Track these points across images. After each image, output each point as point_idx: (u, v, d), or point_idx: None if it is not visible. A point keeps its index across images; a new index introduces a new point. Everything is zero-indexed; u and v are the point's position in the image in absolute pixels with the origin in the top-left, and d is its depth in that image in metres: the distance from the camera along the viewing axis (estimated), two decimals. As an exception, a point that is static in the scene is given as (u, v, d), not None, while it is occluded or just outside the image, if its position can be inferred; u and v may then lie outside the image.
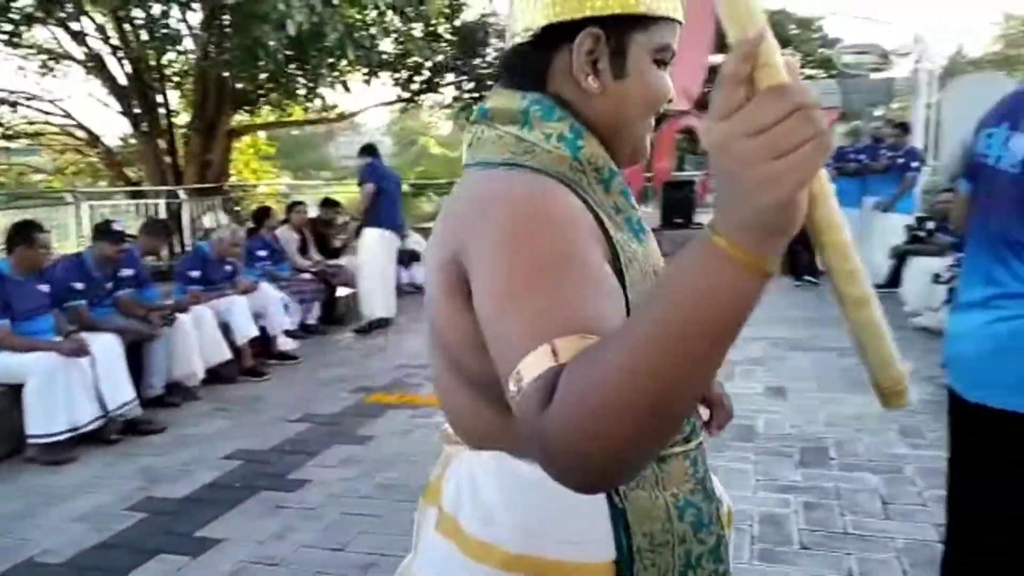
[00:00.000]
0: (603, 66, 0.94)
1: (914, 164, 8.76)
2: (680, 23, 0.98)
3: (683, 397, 0.63)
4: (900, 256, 7.86)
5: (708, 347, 0.61)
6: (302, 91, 12.54)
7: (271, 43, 9.23)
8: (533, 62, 0.97)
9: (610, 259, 0.86)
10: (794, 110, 0.54)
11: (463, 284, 0.85)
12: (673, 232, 10.08)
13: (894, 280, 7.92)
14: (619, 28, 0.93)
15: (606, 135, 0.97)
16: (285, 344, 6.64)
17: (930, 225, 7.82)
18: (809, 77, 33.38)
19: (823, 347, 6.18)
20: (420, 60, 13.80)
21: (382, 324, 7.63)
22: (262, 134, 17.94)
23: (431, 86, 14.96)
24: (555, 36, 0.95)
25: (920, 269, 7.06)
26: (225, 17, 10.18)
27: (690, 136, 13.34)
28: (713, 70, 9.83)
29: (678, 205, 10.41)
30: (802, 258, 9.19)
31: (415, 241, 9.53)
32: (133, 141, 13.19)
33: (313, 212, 8.94)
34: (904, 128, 9.41)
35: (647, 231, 0.99)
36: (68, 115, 12.95)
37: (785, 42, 36.83)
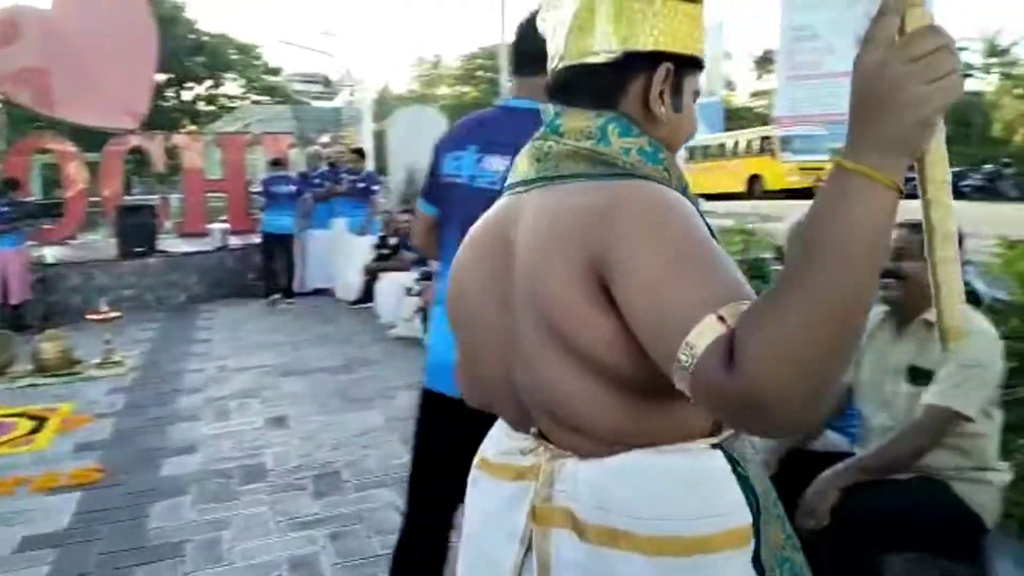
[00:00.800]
0: (666, 99, 1.03)
1: (374, 187, 9.49)
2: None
3: (857, 320, 0.73)
4: (372, 273, 8.36)
5: (870, 270, 0.72)
6: None
7: None
8: (609, 83, 1.03)
9: None
10: (942, 46, 0.69)
11: (603, 288, 0.89)
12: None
13: (367, 296, 8.41)
14: (681, 68, 1.04)
15: None
16: None
17: (393, 242, 8.48)
18: (256, 103, 34.00)
19: (315, 368, 6.18)
20: None
21: None
22: None
23: None
24: (634, 64, 1.02)
25: (390, 284, 7.59)
26: None
27: (140, 157, 12.30)
28: (159, 88, 9.17)
29: (138, 232, 9.44)
30: (279, 280, 9.19)
31: None
32: None
33: None
34: (360, 153, 10.11)
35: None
36: None
37: (227, 66, 36.96)
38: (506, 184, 1.14)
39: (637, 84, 1.03)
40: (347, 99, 17.11)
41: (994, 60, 34.09)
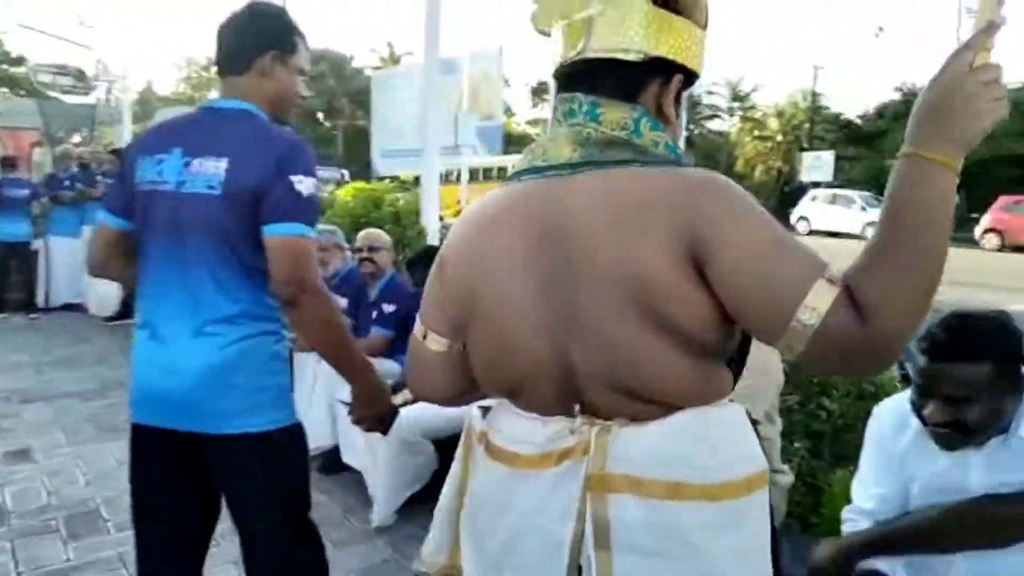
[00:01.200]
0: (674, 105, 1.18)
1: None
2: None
3: (939, 274, 0.94)
4: (131, 285, 7.65)
5: (943, 235, 0.94)
6: None
7: None
8: (633, 80, 1.14)
9: None
10: (999, 77, 0.97)
11: (697, 267, 1.01)
12: None
13: (125, 311, 7.72)
14: (684, 80, 1.17)
15: None
16: None
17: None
18: (-5, 94, 30.13)
19: (64, 393, 5.46)
20: None
21: None
22: None
23: None
24: (656, 67, 1.14)
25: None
26: None
27: None
28: None
29: None
30: (18, 293, 8.14)
31: None
32: None
33: None
34: (118, 155, 9.21)
35: None
36: None
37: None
38: (530, 167, 1.16)
39: (654, 86, 1.15)
40: (104, 96, 15.68)
41: (736, 104, 38.32)
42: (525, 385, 1.16)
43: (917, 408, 1.65)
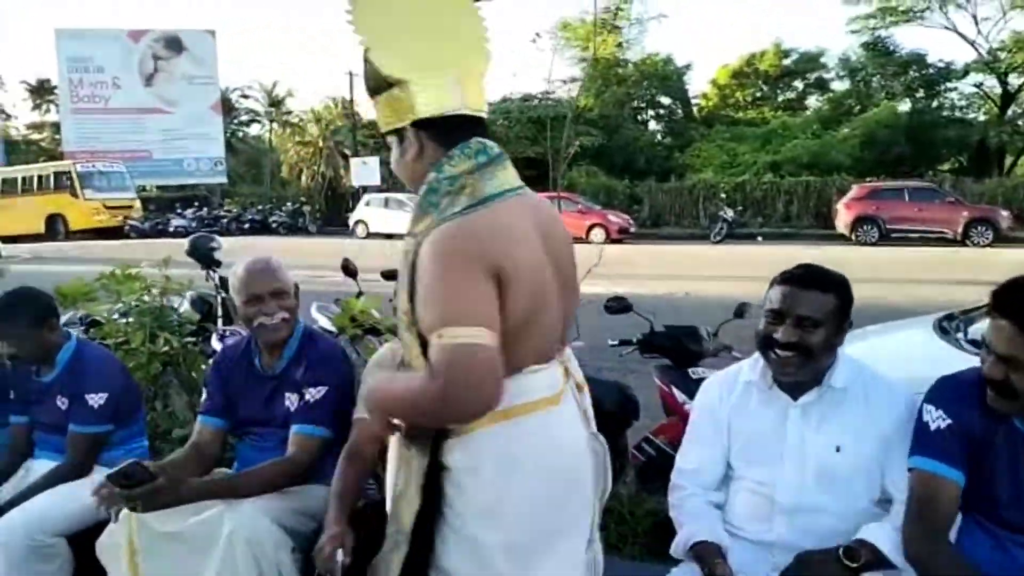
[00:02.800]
0: None
1: None
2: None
3: None
4: None
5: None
6: None
7: None
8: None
9: None
10: None
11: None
12: None
13: None
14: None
15: None
16: None
17: None
18: None
19: None
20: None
21: None
22: None
23: None
24: None
25: None
26: None
27: None
28: None
29: None
30: None
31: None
32: None
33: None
34: None
35: None
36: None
37: None
38: (502, 189, 1.55)
39: None
40: None
41: (273, 109, 37.89)
42: (548, 355, 1.61)
43: (765, 342, 1.92)
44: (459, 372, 1.36)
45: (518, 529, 1.53)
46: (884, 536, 1.79)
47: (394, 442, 1.66)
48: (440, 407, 1.40)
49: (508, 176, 1.55)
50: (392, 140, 1.62)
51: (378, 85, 1.56)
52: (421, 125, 1.54)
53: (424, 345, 1.45)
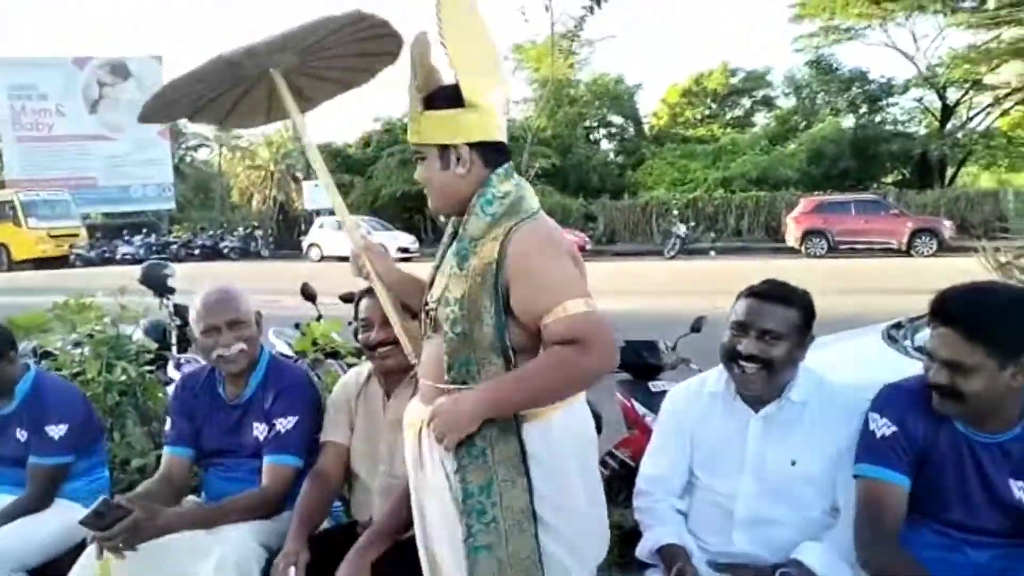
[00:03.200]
0: None
1: None
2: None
3: None
4: None
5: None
6: None
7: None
8: None
9: None
10: None
11: None
12: None
13: None
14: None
15: None
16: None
17: None
18: None
19: None
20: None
21: None
22: None
23: None
24: None
25: None
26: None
27: None
28: None
29: None
30: None
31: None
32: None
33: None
34: None
35: None
36: None
37: None
38: (537, 204, 1.79)
39: None
40: None
41: (222, 134, 37.34)
42: None
43: (729, 353, 1.97)
44: (604, 335, 1.63)
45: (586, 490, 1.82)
46: (817, 556, 1.84)
47: (431, 462, 1.80)
48: (596, 369, 1.65)
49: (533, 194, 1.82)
50: (430, 153, 1.76)
51: (442, 103, 1.73)
52: (475, 146, 1.72)
53: (500, 332, 1.68)
